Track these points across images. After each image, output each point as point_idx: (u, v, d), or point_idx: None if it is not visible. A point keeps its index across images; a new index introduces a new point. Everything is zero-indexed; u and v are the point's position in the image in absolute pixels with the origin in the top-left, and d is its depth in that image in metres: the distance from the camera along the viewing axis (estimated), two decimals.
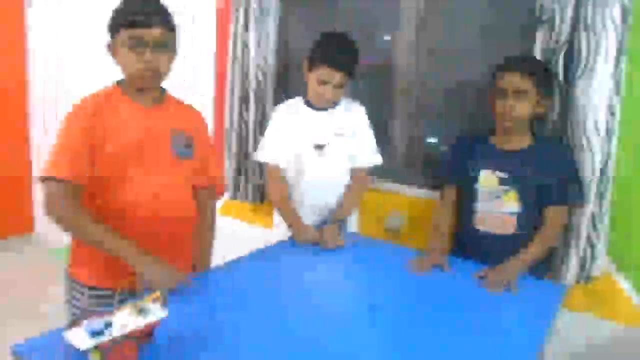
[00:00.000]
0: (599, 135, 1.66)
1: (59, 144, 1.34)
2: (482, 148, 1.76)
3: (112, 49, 1.39)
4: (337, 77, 1.76)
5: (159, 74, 1.40)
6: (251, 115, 2.48)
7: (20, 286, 2.99)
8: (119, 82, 1.45)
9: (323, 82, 1.78)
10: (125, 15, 1.34)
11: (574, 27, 1.67)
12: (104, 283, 1.42)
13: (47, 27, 3.45)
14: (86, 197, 1.37)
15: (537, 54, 1.75)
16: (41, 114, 3.61)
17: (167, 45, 1.38)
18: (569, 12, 1.67)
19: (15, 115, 3.62)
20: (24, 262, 3.33)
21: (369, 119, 1.95)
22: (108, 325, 0.94)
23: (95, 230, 1.30)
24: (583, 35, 1.64)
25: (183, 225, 1.51)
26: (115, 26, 1.36)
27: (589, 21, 1.62)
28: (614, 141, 1.67)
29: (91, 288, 1.43)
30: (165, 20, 1.37)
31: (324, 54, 1.76)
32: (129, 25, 1.32)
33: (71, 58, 3.33)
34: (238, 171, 2.58)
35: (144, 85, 1.41)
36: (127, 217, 1.38)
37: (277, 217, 1.99)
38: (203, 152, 1.55)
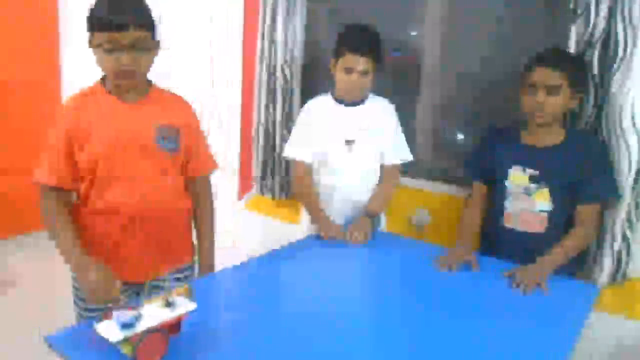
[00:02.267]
0: (635, 130, 1.60)
1: (45, 148, 1.39)
2: (512, 144, 1.72)
3: (91, 47, 1.36)
4: (362, 62, 1.76)
5: (137, 75, 1.37)
6: (278, 111, 2.49)
7: (33, 282, 3.05)
8: (102, 79, 1.44)
9: (348, 70, 1.78)
10: (98, 18, 1.31)
11: (610, 19, 1.62)
12: None
13: (80, 20, 3.51)
14: (81, 198, 1.40)
15: (572, 48, 1.70)
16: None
17: (144, 46, 1.34)
18: (606, 3, 1.62)
19: (49, 108, 3.66)
20: (37, 258, 3.41)
21: (395, 112, 1.95)
22: (138, 317, 0.96)
23: (60, 234, 1.34)
24: (620, 27, 1.58)
25: (176, 218, 1.52)
26: (91, 26, 1.33)
27: (626, 12, 1.57)
28: None
29: None
30: (140, 20, 1.32)
31: (346, 41, 1.79)
32: (103, 29, 1.29)
33: None
34: (265, 167, 2.60)
35: (123, 87, 1.39)
36: (118, 215, 1.40)
37: (304, 213, 1.99)
38: (191, 142, 1.51)
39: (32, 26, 3.49)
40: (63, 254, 1.34)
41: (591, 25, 1.65)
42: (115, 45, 1.29)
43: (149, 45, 1.36)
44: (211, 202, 1.62)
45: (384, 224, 2.01)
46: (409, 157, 1.95)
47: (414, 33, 2.32)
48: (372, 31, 1.82)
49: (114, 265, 1.36)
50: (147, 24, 1.35)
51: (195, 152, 1.53)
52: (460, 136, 2.29)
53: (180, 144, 1.47)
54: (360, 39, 1.79)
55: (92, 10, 1.33)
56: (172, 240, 1.51)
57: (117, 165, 1.38)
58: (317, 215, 1.85)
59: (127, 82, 1.37)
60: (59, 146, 1.36)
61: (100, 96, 1.41)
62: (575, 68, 1.61)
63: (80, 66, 3.53)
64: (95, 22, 1.31)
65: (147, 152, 1.41)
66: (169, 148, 1.44)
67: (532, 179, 1.65)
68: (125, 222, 1.40)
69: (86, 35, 1.36)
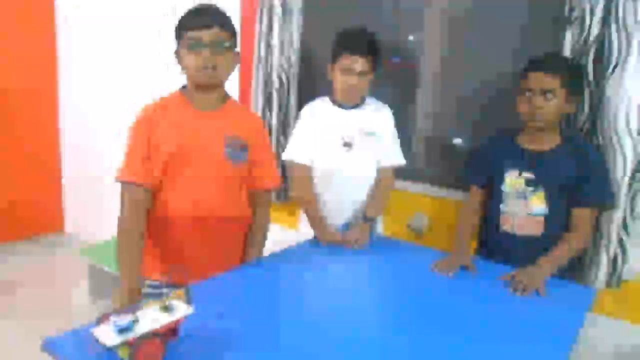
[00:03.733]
0: (630, 134, 1.62)
1: (125, 152, 1.46)
2: (509, 148, 1.73)
3: (177, 55, 1.47)
4: (359, 62, 1.78)
5: (216, 72, 1.44)
6: (274, 116, 2.49)
7: (50, 283, 3.06)
8: (182, 88, 1.52)
9: (347, 71, 1.79)
10: (186, 19, 1.44)
11: (604, 24, 1.63)
12: (160, 277, 1.52)
13: (77, 24, 3.52)
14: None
15: (566, 53, 1.72)
16: (72, 114, 3.69)
17: (226, 46, 1.44)
18: (600, 9, 1.63)
19: (47, 114, 3.70)
20: (54, 259, 3.42)
21: (392, 116, 1.95)
22: (135, 321, 0.95)
23: (126, 249, 1.43)
24: (614, 32, 1.60)
25: (234, 226, 1.58)
26: (178, 31, 1.45)
27: (620, 18, 1.58)
28: None
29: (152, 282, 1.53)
30: (223, 22, 1.45)
31: (344, 43, 1.82)
32: (189, 28, 1.42)
33: (101, 57, 3.39)
34: None
35: (203, 84, 1.46)
36: (181, 219, 1.46)
37: (302, 217, 1.99)
38: (259, 157, 1.59)
39: (30, 33, 3.50)
40: (121, 268, 1.43)
41: (586, 31, 1.66)
42: (199, 42, 1.40)
43: (230, 46, 1.46)
44: (268, 215, 1.69)
45: (380, 228, 2.01)
46: (402, 162, 1.96)
47: (411, 38, 2.34)
48: (369, 34, 1.84)
49: (171, 268, 1.47)
50: (229, 28, 1.47)
51: (260, 166, 1.60)
52: (457, 140, 2.30)
53: (247, 157, 1.54)
54: (358, 40, 1.81)
55: (180, 18, 1.46)
56: (228, 249, 1.58)
57: (184, 171, 1.45)
58: (316, 219, 1.86)
59: (208, 78, 1.44)
60: (138, 148, 1.44)
61: (176, 104, 1.49)
62: (570, 72, 1.62)
63: (77, 73, 3.58)
64: (184, 24, 1.44)
65: (215, 161, 1.48)
66: (236, 159, 1.52)
67: (528, 182, 1.66)
68: (185, 227, 1.47)
69: (173, 46, 1.48)
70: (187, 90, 1.51)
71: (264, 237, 1.68)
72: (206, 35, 1.40)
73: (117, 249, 1.45)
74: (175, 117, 1.47)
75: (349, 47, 1.78)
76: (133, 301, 1.40)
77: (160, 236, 1.50)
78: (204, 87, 1.48)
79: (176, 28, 1.46)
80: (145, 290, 1.50)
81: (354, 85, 1.81)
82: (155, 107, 1.49)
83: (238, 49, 1.52)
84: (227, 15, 1.49)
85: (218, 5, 1.49)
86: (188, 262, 1.50)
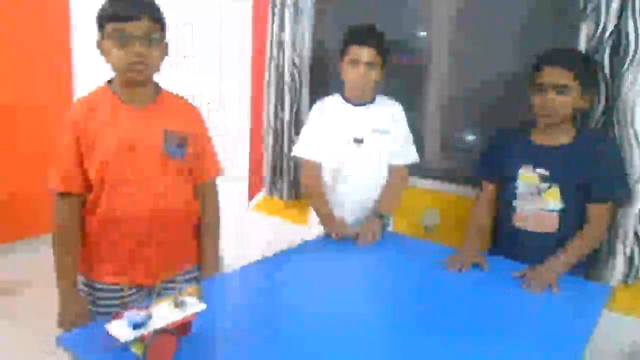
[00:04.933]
0: None
1: (55, 155, 1.39)
2: (522, 144, 1.71)
3: (101, 46, 1.36)
4: (365, 53, 1.79)
5: (148, 67, 1.35)
6: (286, 114, 2.50)
7: (48, 283, 3.08)
8: (109, 82, 1.43)
9: (354, 63, 1.81)
10: (112, 9, 1.32)
11: (621, 18, 1.61)
12: (111, 279, 1.46)
13: (91, 33, 3.56)
14: (89, 204, 1.41)
15: (581, 47, 1.70)
16: None
17: (156, 39, 1.35)
18: (616, 2, 1.60)
19: (57, 115, 3.71)
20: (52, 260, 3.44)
21: (404, 114, 1.95)
22: (148, 317, 0.96)
23: (61, 253, 1.42)
24: (630, 25, 1.57)
25: (184, 222, 1.52)
26: (102, 20, 1.33)
27: (638, 11, 1.55)
28: None
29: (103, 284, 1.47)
30: (153, 13, 1.34)
31: (350, 35, 1.85)
32: (115, 19, 1.30)
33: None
34: (274, 169, 2.61)
35: (135, 79, 1.37)
36: (126, 220, 1.40)
37: (312, 213, 2.00)
38: (199, 148, 1.51)
39: (43, 39, 3.53)
40: (57, 272, 1.42)
41: (601, 24, 1.64)
42: (127, 35, 1.29)
43: (160, 38, 1.37)
44: (216, 207, 1.61)
45: (391, 224, 2.01)
46: (416, 159, 1.96)
47: (422, 34, 2.32)
48: (375, 26, 1.87)
49: (124, 268, 1.41)
50: (158, 18, 1.36)
51: (201, 158, 1.53)
52: (469, 136, 2.28)
53: (188, 150, 1.46)
54: (363, 32, 1.85)
55: (103, 6, 1.34)
56: (180, 244, 1.51)
57: (124, 171, 1.38)
58: (325, 214, 1.86)
59: (139, 74, 1.35)
60: (68, 152, 1.37)
61: (107, 100, 1.40)
62: (584, 67, 1.60)
63: (89, 81, 3.61)
64: (108, 15, 1.32)
65: (154, 158, 1.40)
66: (176, 154, 1.44)
67: (543, 178, 1.64)
68: (133, 227, 1.40)
69: (95, 36, 1.37)
70: (115, 86, 1.41)
71: (218, 233, 1.61)
72: (135, 27, 1.29)
73: (54, 254, 1.43)
74: (106, 116, 1.37)
75: (355, 39, 1.82)
76: (74, 303, 1.41)
77: (108, 238, 1.42)
78: (132, 83, 1.38)
79: (99, 16, 1.34)
80: (104, 294, 1.45)
81: (361, 76, 1.81)
82: (83, 107, 1.40)
83: (166, 40, 1.41)
84: (154, 2, 1.38)
85: None
86: (138, 261, 1.44)
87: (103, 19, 1.33)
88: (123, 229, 1.41)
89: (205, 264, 1.57)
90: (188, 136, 1.46)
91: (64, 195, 1.39)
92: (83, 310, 1.42)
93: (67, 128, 1.38)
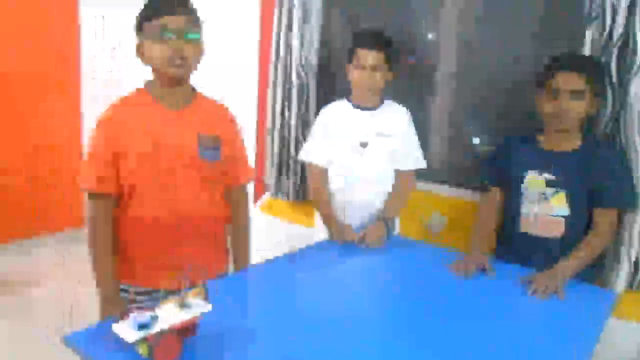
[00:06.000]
0: None
1: (87, 154, 1.41)
2: (529, 149, 1.71)
3: (140, 49, 1.39)
4: (371, 56, 1.79)
5: (186, 62, 1.36)
6: (293, 115, 2.50)
7: (56, 282, 3.11)
8: (146, 85, 1.45)
9: (360, 66, 1.82)
10: (150, 7, 1.36)
11: (628, 22, 1.60)
12: (144, 283, 1.46)
13: (100, 18, 3.58)
14: (120, 206, 1.42)
15: (587, 52, 1.69)
16: (94, 111, 3.74)
17: (193, 37, 1.37)
18: (623, 6, 1.60)
19: (69, 111, 3.74)
20: (74, 254, 3.47)
21: (410, 118, 1.95)
22: (154, 318, 0.97)
23: (99, 256, 1.42)
24: (638, 30, 1.57)
25: (213, 227, 1.53)
26: (141, 21, 1.37)
27: None
28: None
29: (138, 289, 1.48)
30: (190, 9, 1.38)
31: (356, 39, 1.86)
32: (154, 15, 1.33)
33: (123, 51, 3.42)
34: (279, 170, 2.61)
35: (173, 75, 1.38)
36: (157, 224, 1.41)
37: (318, 217, 2.00)
38: (232, 152, 1.52)
39: (51, 31, 3.56)
40: (97, 277, 1.42)
41: (607, 29, 1.63)
42: (165, 30, 1.32)
43: (197, 35, 1.39)
44: (247, 211, 1.64)
45: (397, 228, 2.01)
46: (423, 164, 1.96)
47: (430, 36, 2.32)
48: (381, 29, 1.89)
49: (154, 272, 1.41)
50: (196, 17, 1.40)
51: (234, 162, 1.54)
52: (476, 140, 2.28)
53: (221, 154, 1.48)
54: (369, 35, 1.86)
55: (141, 9, 1.38)
56: (208, 249, 1.53)
57: (157, 173, 1.39)
58: (331, 219, 1.86)
59: (177, 69, 1.36)
60: (102, 152, 1.38)
61: (143, 102, 1.42)
62: (597, 73, 1.60)
63: (100, 66, 3.63)
64: (146, 14, 1.36)
65: (188, 161, 1.42)
66: (210, 158, 1.45)
67: (549, 183, 1.63)
68: (163, 230, 1.42)
69: (134, 40, 1.40)
70: (152, 87, 1.43)
71: (248, 235, 1.63)
72: (173, 22, 1.32)
73: (90, 256, 1.42)
74: (143, 118, 1.39)
75: (361, 42, 1.82)
76: (115, 307, 1.38)
77: (138, 241, 1.44)
78: (171, 81, 1.40)
79: (137, 20, 1.38)
80: (137, 297, 1.45)
81: (366, 79, 1.82)
82: (120, 108, 1.42)
83: (204, 42, 1.44)
84: (192, 3, 1.41)
85: None
86: (167, 265, 1.43)
87: (141, 19, 1.37)
88: (153, 232, 1.41)
89: (237, 266, 1.59)
90: (222, 140, 1.48)
91: (96, 196, 1.40)
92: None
93: (102, 128, 1.40)
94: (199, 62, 1.42)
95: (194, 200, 1.44)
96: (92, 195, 1.40)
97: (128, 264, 1.46)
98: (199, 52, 1.41)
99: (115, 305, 1.40)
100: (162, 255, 1.44)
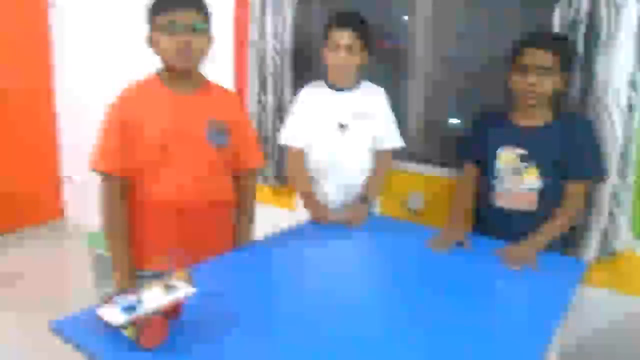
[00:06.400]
0: (620, 110, 1.64)
1: (98, 137, 1.44)
2: (501, 125, 1.75)
3: (150, 39, 1.43)
4: (346, 35, 1.79)
5: (194, 55, 1.41)
6: (270, 100, 2.50)
7: (53, 271, 3.10)
8: (158, 71, 1.48)
9: (335, 46, 1.81)
10: (159, 0, 1.40)
11: (594, 1, 1.64)
12: (156, 267, 1.48)
13: (71, 22, 3.51)
14: (128, 188, 1.45)
15: (555, 29, 1.73)
16: (69, 99, 3.70)
17: (202, 28, 1.41)
18: None
19: (43, 105, 3.69)
20: (56, 248, 3.45)
21: (387, 99, 1.97)
22: (139, 302, 0.99)
23: (115, 239, 1.46)
24: (603, 8, 1.61)
25: (220, 209, 1.56)
26: (151, 14, 1.41)
27: None
28: (637, 116, 1.65)
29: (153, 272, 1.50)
30: (198, 5, 1.41)
31: (330, 20, 1.85)
32: (163, 10, 1.37)
33: (97, 53, 3.39)
34: None
35: (179, 67, 1.42)
36: (165, 207, 1.44)
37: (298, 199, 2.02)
38: (241, 138, 1.56)
39: (24, 32, 3.49)
40: (113, 260, 1.45)
41: (574, 7, 1.67)
42: (174, 24, 1.36)
43: (206, 29, 1.42)
44: (253, 197, 1.67)
45: (377, 207, 2.04)
46: (401, 144, 1.98)
47: (405, 18, 2.34)
48: (356, 10, 1.88)
49: (163, 255, 1.43)
50: (204, 10, 1.43)
51: (243, 146, 1.58)
52: (451, 119, 2.32)
53: (230, 138, 1.51)
54: (343, 15, 1.86)
55: (151, 2, 1.41)
56: (215, 233, 1.56)
57: (167, 157, 1.42)
58: (311, 200, 1.88)
59: (184, 60, 1.40)
60: (113, 135, 1.41)
61: (154, 88, 1.45)
62: (565, 49, 1.64)
63: (73, 63, 3.57)
64: (156, 7, 1.39)
65: (197, 145, 1.45)
66: (219, 143, 1.49)
67: (521, 157, 1.68)
68: (171, 214, 1.45)
69: (144, 30, 1.43)
70: (163, 74, 1.47)
71: (252, 220, 1.67)
72: (181, 16, 1.36)
73: (105, 241, 1.46)
74: (154, 101, 1.44)
75: (335, 22, 1.82)
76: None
77: (147, 224, 1.48)
78: (179, 71, 1.44)
79: (149, 11, 1.42)
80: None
81: (341, 59, 1.81)
82: (131, 92, 1.46)
83: (212, 33, 1.48)
84: None
85: None
86: (176, 247, 1.46)
87: (152, 12, 1.40)
88: (162, 215, 1.45)
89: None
90: (231, 125, 1.51)
91: (109, 177, 1.43)
92: None
93: (113, 111, 1.43)
94: (207, 53, 1.46)
95: (202, 185, 1.47)
96: (105, 177, 1.43)
97: (136, 248, 1.49)
98: (207, 43, 1.45)
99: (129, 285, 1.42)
100: (171, 238, 1.47)
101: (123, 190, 1.45)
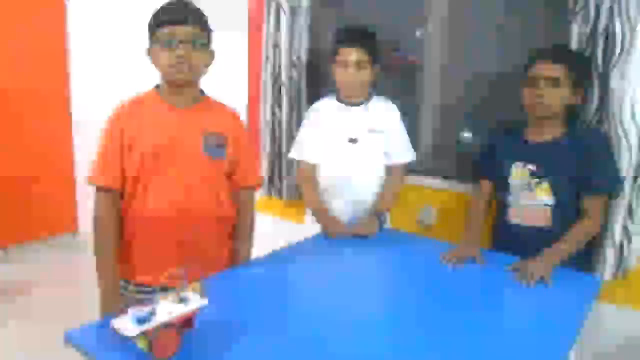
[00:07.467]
0: (635, 124, 1.63)
1: (97, 151, 1.45)
2: (514, 141, 1.75)
3: (150, 52, 1.44)
4: (353, 53, 1.79)
5: (192, 70, 1.41)
6: (284, 114, 2.53)
7: (65, 283, 3.12)
8: (157, 85, 1.49)
9: (343, 64, 1.82)
10: (160, 15, 1.40)
11: (611, 15, 1.64)
12: (144, 279, 1.48)
13: (87, 27, 3.58)
14: (124, 201, 1.45)
15: (573, 45, 1.73)
16: (84, 114, 3.74)
17: (201, 43, 1.41)
18: (607, 2, 1.64)
19: (59, 116, 3.73)
20: (69, 260, 3.48)
21: (399, 114, 1.97)
22: (152, 313, 1.00)
23: (102, 251, 1.45)
24: (618, 22, 1.61)
25: (217, 226, 1.54)
26: (151, 28, 1.41)
27: (624, 9, 1.59)
28: None
29: (137, 284, 1.50)
30: (197, 19, 1.41)
31: (338, 37, 1.86)
32: (162, 24, 1.38)
33: (112, 58, 3.43)
34: (272, 168, 2.64)
35: (177, 81, 1.42)
36: (160, 220, 1.43)
37: (309, 213, 2.02)
38: (238, 152, 1.54)
39: (40, 35, 3.54)
40: (98, 271, 1.45)
41: (591, 23, 1.67)
42: (173, 38, 1.37)
43: (205, 42, 1.43)
44: (252, 216, 1.65)
45: (388, 222, 2.04)
46: (413, 158, 1.98)
47: (418, 33, 2.35)
48: (363, 26, 1.88)
49: (155, 269, 1.39)
50: (204, 25, 1.44)
51: (241, 164, 1.57)
52: (465, 134, 2.32)
53: (227, 151, 1.51)
54: (350, 32, 1.86)
55: (152, 15, 1.42)
56: (211, 248, 1.54)
57: (161, 169, 1.42)
58: (322, 215, 1.89)
59: (182, 75, 1.40)
60: (111, 148, 1.42)
61: (152, 101, 1.47)
62: (575, 62, 1.64)
63: (89, 72, 3.63)
64: (156, 21, 1.40)
65: (192, 158, 1.45)
66: (214, 156, 1.48)
67: (533, 173, 1.67)
68: (166, 227, 1.44)
69: (145, 44, 1.44)
70: (161, 88, 1.48)
71: (250, 237, 1.65)
72: (180, 31, 1.37)
73: (94, 250, 1.46)
74: (150, 114, 1.44)
75: (342, 40, 1.83)
76: (114, 302, 1.42)
77: (140, 237, 1.47)
78: (178, 85, 1.44)
79: (149, 25, 1.42)
80: (137, 296, 1.48)
81: (350, 76, 1.82)
82: (129, 104, 1.47)
83: (212, 48, 1.48)
84: (201, 12, 1.45)
85: (191, 0, 1.45)
86: (168, 262, 1.38)
87: (152, 27, 1.41)
88: (156, 228, 1.44)
89: (236, 266, 1.59)
90: (228, 139, 1.51)
91: (104, 190, 1.43)
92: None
93: (112, 125, 1.44)
94: (207, 68, 1.47)
95: (197, 198, 1.46)
96: (100, 190, 1.44)
97: (128, 259, 1.48)
98: (206, 58, 1.46)
99: (114, 300, 1.43)
100: (163, 251, 1.45)
101: (117, 202, 1.45)
